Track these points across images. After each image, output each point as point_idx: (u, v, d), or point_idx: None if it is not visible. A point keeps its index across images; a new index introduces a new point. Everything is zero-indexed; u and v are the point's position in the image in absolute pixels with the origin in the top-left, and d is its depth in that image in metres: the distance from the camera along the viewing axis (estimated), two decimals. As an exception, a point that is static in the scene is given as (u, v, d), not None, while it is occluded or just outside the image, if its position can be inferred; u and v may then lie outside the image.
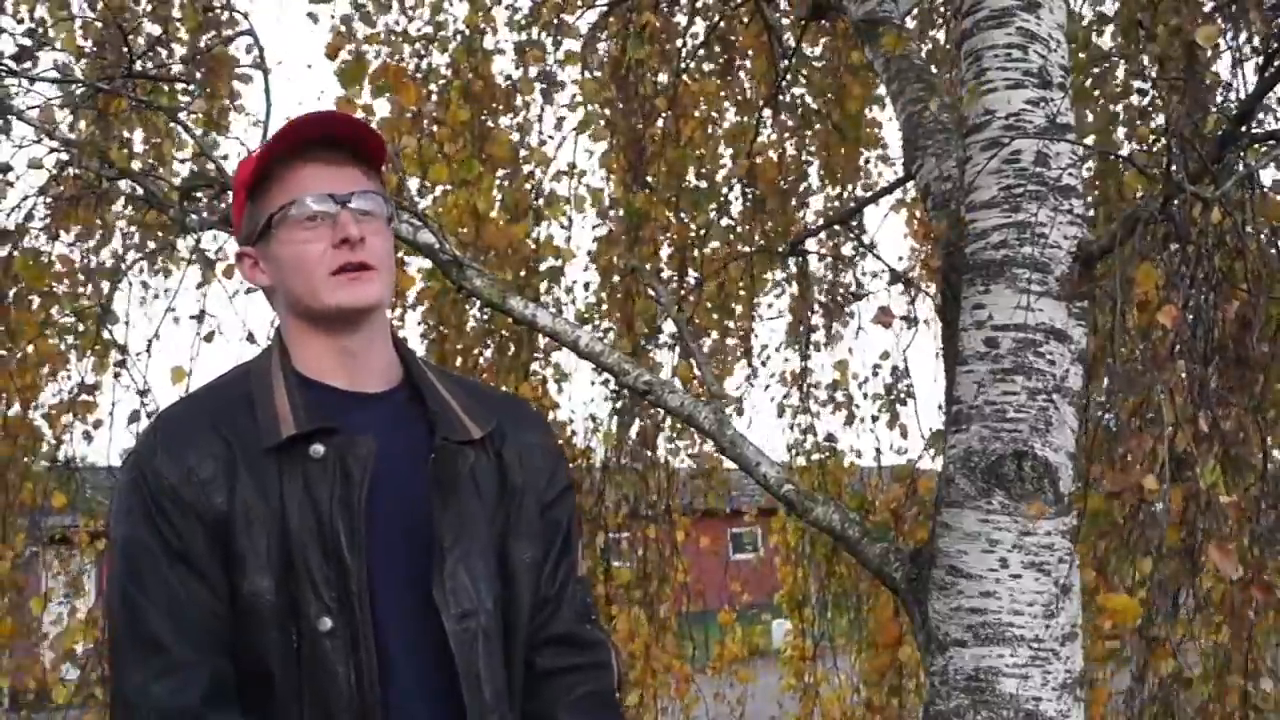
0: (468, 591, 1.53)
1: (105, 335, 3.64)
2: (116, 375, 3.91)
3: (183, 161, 4.16)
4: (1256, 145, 2.59)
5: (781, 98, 5.06)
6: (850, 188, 5.61)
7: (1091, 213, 3.14)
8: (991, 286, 2.44)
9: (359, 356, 1.59)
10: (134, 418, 3.74)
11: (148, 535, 1.47)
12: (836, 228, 5.33)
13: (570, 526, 1.72)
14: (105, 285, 3.71)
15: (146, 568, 1.47)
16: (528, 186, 4.75)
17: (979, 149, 2.51)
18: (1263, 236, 2.68)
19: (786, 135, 5.55)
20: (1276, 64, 2.30)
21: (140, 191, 3.11)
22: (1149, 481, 2.33)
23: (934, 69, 3.44)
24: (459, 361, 4.77)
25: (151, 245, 4.20)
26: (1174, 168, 2.30)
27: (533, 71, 4.75)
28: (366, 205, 1.56)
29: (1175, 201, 2.30)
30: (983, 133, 2.51)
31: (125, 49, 3.13)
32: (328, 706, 1.45)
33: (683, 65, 5.08)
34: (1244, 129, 2.41)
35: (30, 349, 3.85)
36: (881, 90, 5.24)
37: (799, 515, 2.71)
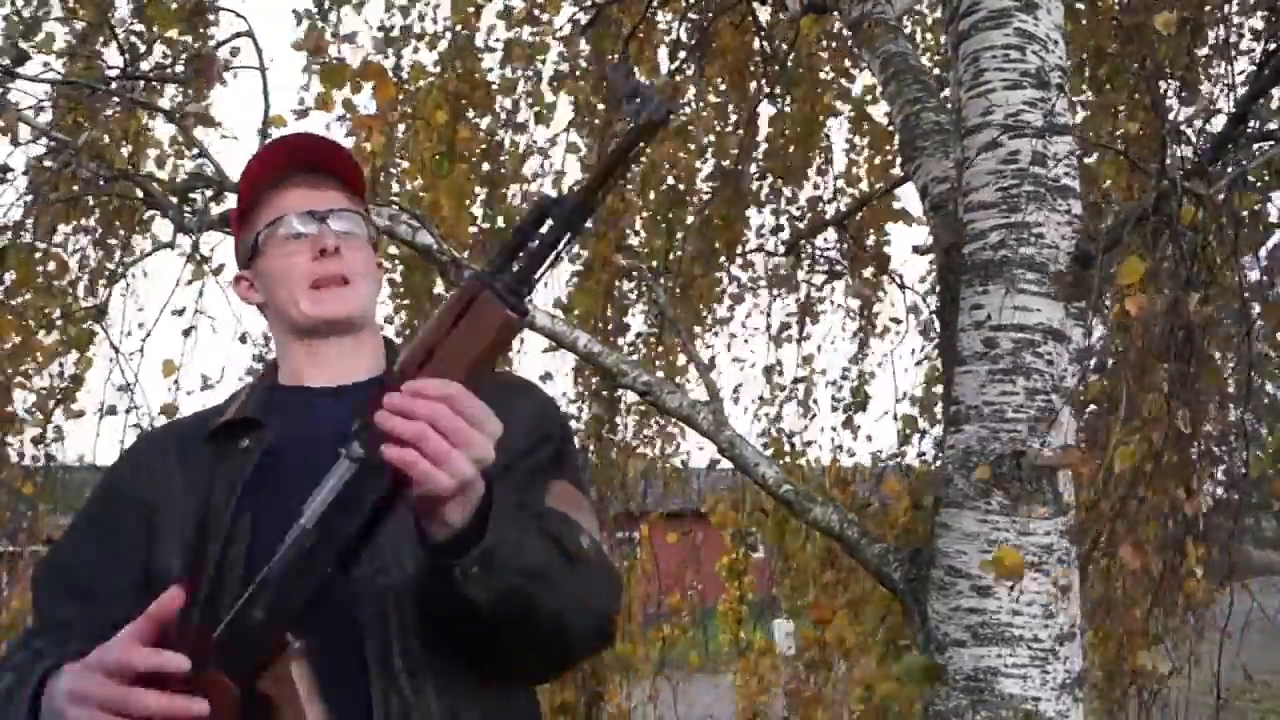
0: (381, 552, 1.40)
1: (98, 334, 3.63)
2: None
3: (167, 161, 4.14)
4: (1252, 145, 2.60)
5: (767, 105, 5.07)
6: (799, 192, 5.63)
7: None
8: (990, 287, 2.44)
9: (337, 360, 1.61)
10: (110, 411, 3.76)
11: (84, 513, 1.59)
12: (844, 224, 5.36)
13: (551, 463, 1.57)
14: (102, 285, 3.69)
15: (70, 537, 1.58)
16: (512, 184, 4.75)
17: (976, 149, 2.51)
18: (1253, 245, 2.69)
19: (762, 140, 5.57)
20: (1273, 63, 2.31)
21: (141, 193, 3.09)
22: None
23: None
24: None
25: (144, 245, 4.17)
26: (1168, 165, 2.31)
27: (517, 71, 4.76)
28: (345, 225, 1.60)
29: (1168, 198, 2.31)
30: (980, 133, 2.51)
31: (118, 49, 3.11)
32: None
33: (669, 69, 5.07)
34: (1241, 128, 2.42)
35: (16, 342, 3.83)
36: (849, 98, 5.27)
37: (797, 515, 2.70)
